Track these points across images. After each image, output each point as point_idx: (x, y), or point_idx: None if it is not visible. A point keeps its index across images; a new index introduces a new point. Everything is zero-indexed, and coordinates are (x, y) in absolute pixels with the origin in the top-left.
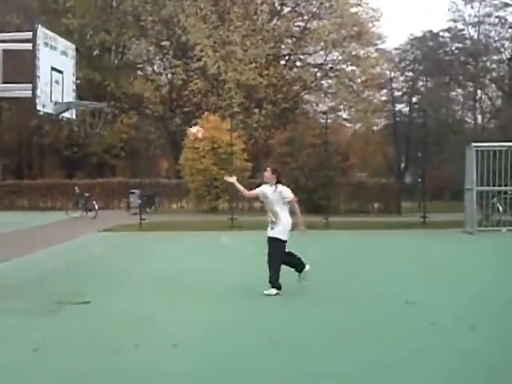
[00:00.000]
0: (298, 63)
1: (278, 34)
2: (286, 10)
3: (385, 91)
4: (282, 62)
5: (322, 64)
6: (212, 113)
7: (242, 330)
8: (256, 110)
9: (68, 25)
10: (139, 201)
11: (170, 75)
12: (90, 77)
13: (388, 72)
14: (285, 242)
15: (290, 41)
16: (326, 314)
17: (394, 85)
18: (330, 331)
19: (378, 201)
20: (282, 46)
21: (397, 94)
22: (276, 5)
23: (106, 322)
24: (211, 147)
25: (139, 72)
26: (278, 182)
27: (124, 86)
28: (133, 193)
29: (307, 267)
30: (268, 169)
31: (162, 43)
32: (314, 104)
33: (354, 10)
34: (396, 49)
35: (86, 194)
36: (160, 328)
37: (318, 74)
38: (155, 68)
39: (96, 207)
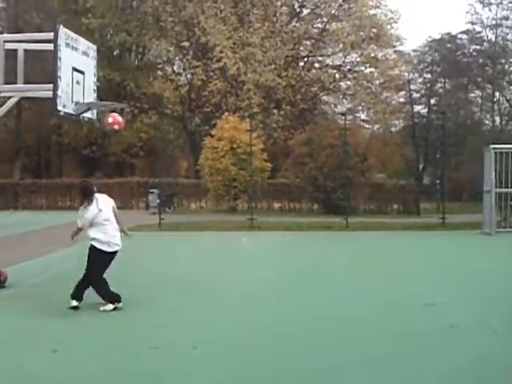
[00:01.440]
0: (317, 65)
1: (296, 35)
2: (305, 11)
3: (403, 93)
4: (301, 64)
5: (340, 65)
6: (231, 113)
7: (261, 331)
8: (275, 111)
9: (88, 24)
10: (158, 200)
11: (189, 75)
12: (110, 77)
13: (406, 74)
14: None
15: (308, 42)
16: (344, 313)
17: (413, 86)
18: (348, 330)
19: (396, 202)
20: (301, 48)
21: (415, 95)
22: (295, 7)
23: (125, 324)
24: (230, 147)
25: (159, 72)
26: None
27: (144, 86)
28: (152, 192)
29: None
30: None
31: (182, 44)
32: (333, 105)
33: (372, 11)
34: (414, 51)
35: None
36: (180, 330)
37: (337, 76)
38: (175, 68)
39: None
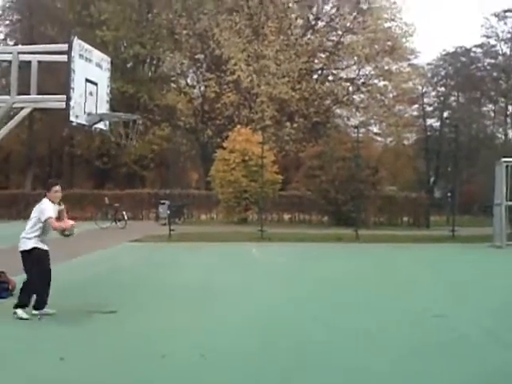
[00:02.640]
0: (331, 77)
1: (311, 48)
2: (320, 24)
3: (416, 106)
4: (315, 77)
5: (354, 78)
6: (244, 126)
7: (269, 341)
8: (288, 123)
9: (102, 37)
10: (168, 211)
11: (202, 88)
12: (124, 89)
13: (420, 87)
14: None
15: (323, 55)
16: (353, 325)
17: (426, 100)
18: (358, 342)
19: (407, 214)
20: (315, 61)
21: (428, 108)
22: (310, 19)
23: (132, 332)
24: (242, 159)
25: (172, 84)
26: None
27: (157, 98)
28: (162, 203)
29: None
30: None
31: (196, 56)
32: (346, 118)
33: (387, 24)
34: (428, 64)
35: (116, 205)
36: (187, 338)
37: (350, 89)
38: (188, 81)
39: (125, 218)
